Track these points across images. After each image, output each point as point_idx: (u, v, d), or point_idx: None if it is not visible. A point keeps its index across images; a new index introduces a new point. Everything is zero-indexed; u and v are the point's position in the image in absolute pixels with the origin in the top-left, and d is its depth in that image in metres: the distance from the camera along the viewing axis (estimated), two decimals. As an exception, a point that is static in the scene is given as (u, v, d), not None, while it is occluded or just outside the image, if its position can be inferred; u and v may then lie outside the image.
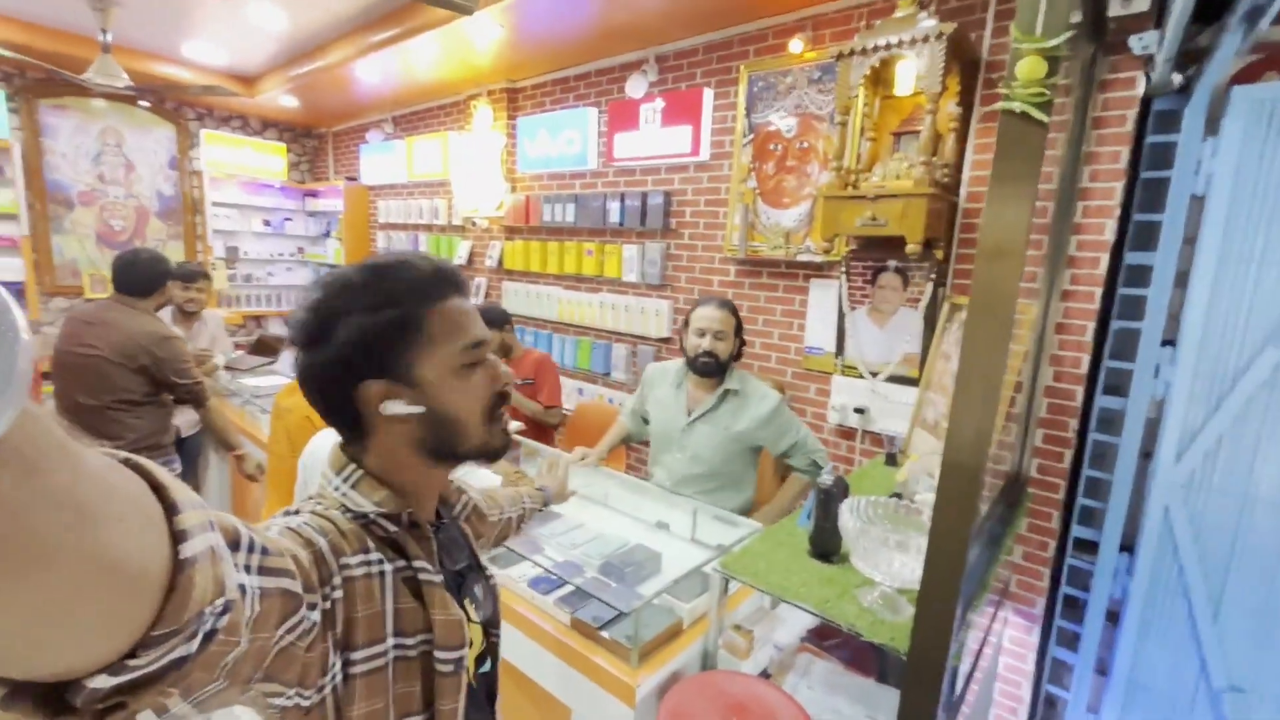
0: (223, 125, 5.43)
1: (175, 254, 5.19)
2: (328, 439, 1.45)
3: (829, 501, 1.30)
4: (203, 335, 3.15)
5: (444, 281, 0.69)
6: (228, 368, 3.39)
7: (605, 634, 1.28)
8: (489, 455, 0.73)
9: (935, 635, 0.92)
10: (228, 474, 3.22)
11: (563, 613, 1.36)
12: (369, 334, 0.65)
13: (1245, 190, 1.45)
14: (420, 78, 3.90)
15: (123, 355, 2.17)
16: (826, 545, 1.31)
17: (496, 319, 2.64)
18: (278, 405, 1.95)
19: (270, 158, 5.50)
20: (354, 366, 0.65)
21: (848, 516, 1.20)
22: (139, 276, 2.27)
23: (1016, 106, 0.75)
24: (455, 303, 0.70)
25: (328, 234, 5.63)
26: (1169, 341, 1.60)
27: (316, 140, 5.95)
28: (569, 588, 1.44)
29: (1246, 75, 1.57)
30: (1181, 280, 1.58)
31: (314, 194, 5.67)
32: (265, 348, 3.87)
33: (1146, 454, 1.66)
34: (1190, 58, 1.51)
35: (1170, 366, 1.57)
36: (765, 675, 1.34)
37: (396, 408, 0.66)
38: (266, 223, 5.60)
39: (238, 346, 4.15)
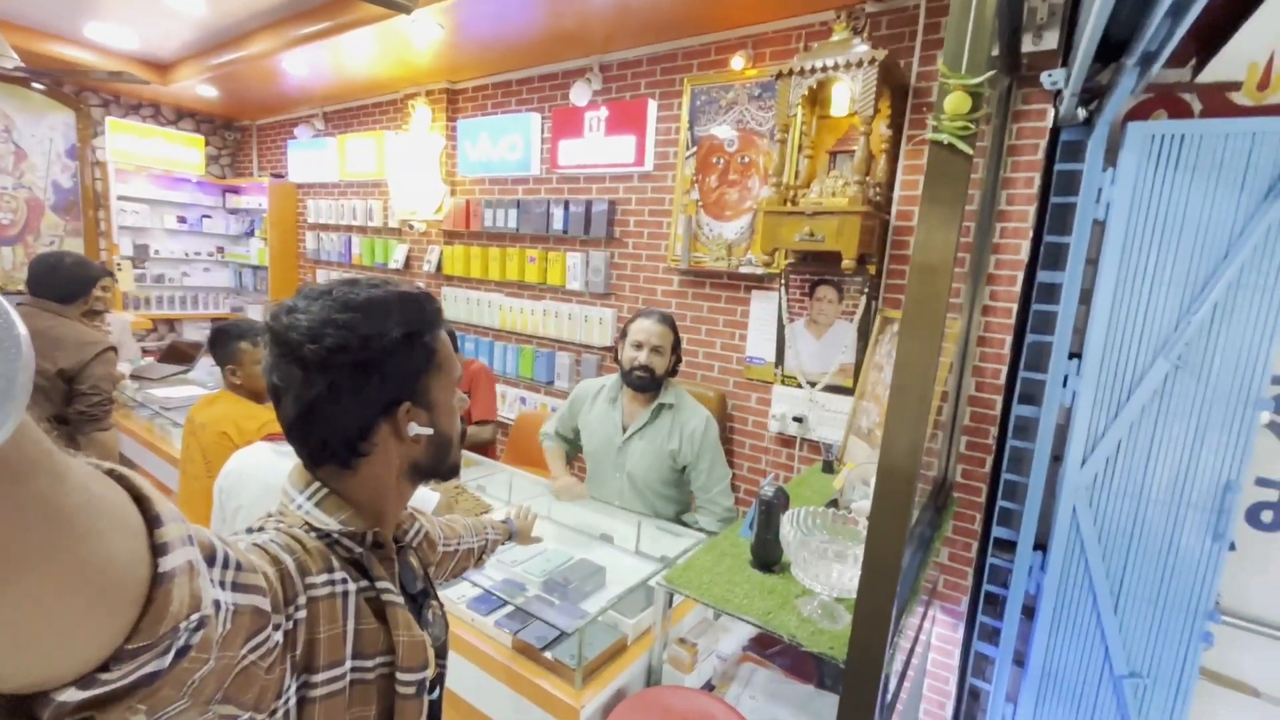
0: (131, 113, 5.02)
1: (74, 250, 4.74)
2: (249, 459, 1.35)
3: (770, 513, 1.33)
4: (106, 341, 2.89)
5: (439, 310, 0.75)
6: (134, 376, 3.12)
7: (549, 654, 1.25)
8: (455, 472, 0.79)
9: (872, 643, 0.95)
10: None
11: (504, 634, 1.32)
12: (412, 357, 0.68)
13: (1138, 216, 1.59)
14: (353, 74, 3.73)
15: (70, 366, 1.96)
16: (768, 556, 1.34)
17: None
18: (191, 420, 1.81)
19: (186, 150, 5.13)
20: (395, 388, 0.68)
21: (788, 528, 1.23)
22: (62, 281, 2.06)
23: (944, 138, 0.79)
24: (443, 331, 0.75)
25: (251, 233, 5.30)
26: (1075, 354, 1.72)
27: (239, 133, 5.60)
28: (510, 607, 1.40)
29: (1140, 112, 1.72)
30: (1086, 297, 1.72)
31: (235, 190, 5.33)
32: (178, 355, 3.59)
33: (1057, 458, 1.79)
34: (1093, 94, 1.64)
35: (1076, 377, 1.70)
36: (709, 687, 1.35)
37: (419, 429, 0.70)
38: (181, 219, 5.21)
39: (145, 353, 3.84)
